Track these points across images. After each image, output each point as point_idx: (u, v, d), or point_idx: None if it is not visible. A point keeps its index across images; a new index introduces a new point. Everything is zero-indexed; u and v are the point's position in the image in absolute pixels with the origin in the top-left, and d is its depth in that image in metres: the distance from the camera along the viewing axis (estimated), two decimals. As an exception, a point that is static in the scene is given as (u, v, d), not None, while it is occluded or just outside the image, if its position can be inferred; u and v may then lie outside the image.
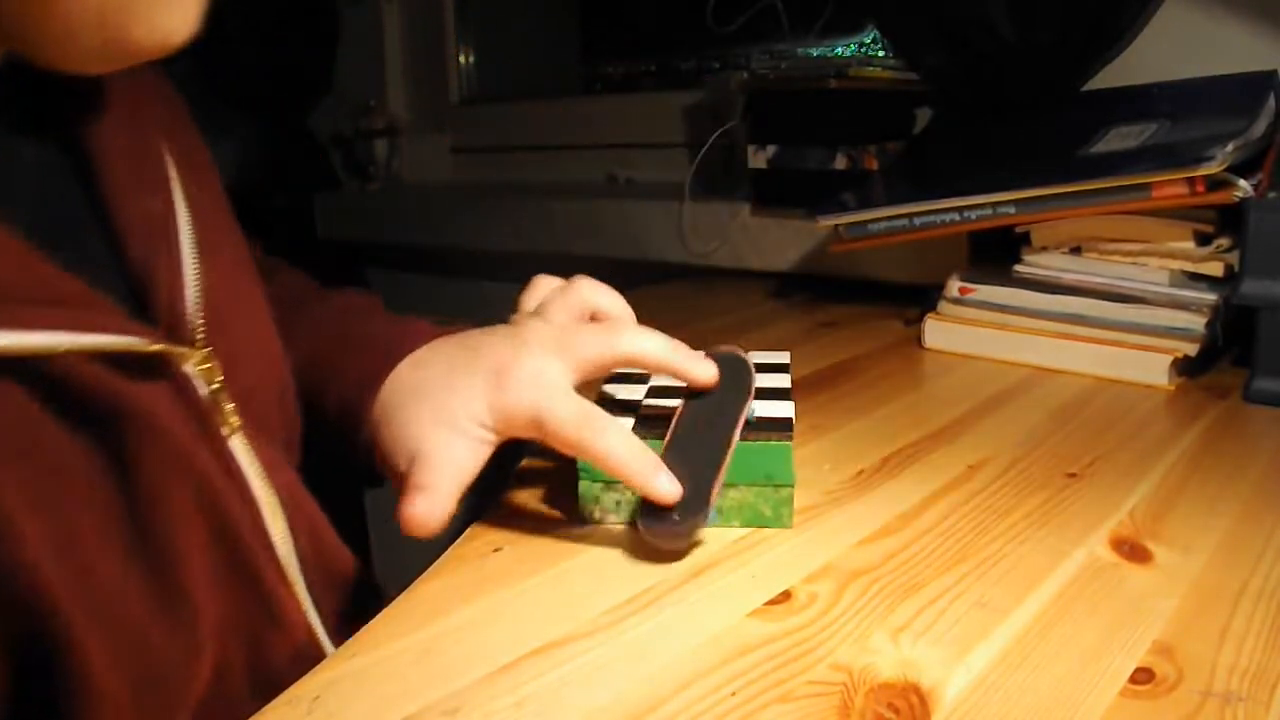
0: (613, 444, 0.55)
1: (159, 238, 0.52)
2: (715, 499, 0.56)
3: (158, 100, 0.62)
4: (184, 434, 0.48)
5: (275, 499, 0.54)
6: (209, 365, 0.51)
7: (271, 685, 0.47)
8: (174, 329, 0.50)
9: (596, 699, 0.43)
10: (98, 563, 0.44)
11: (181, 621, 0.47)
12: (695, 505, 0.55)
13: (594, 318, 0.66)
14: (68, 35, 0.45)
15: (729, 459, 0.57)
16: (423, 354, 0.65)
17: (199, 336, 0.51)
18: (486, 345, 0.62)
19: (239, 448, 0.52)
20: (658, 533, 0.55)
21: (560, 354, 0.59)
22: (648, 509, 0.55)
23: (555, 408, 0.57)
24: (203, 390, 0.50)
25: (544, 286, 0.68)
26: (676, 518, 0.54)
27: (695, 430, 0.59)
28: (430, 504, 0.56)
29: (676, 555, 0.56)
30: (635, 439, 0.56)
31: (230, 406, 0.52)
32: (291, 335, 0.70)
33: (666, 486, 0.55)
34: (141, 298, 0.50)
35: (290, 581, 0.55)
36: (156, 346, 0.47)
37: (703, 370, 0.61)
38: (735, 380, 0.62)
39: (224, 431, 0.52)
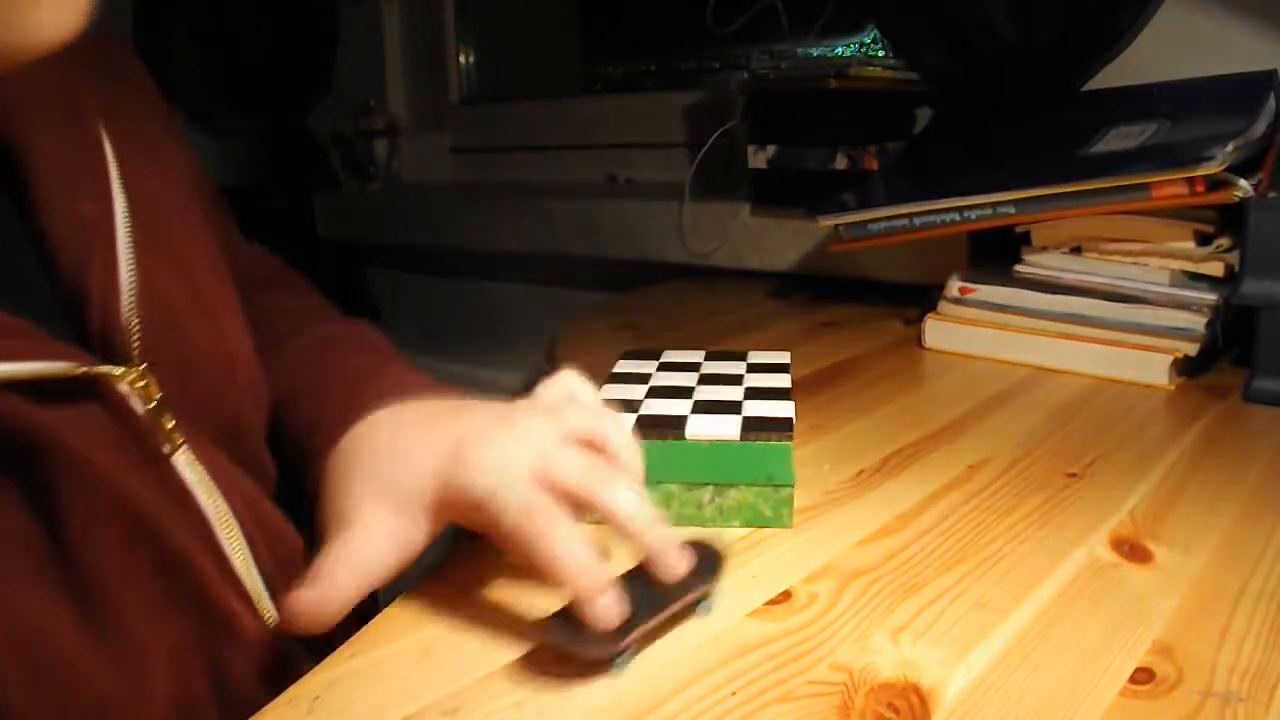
0: (561, 545, 0.46)
1: (93, 244, 0.50)
2: (631, 645, 0.46)
3: (112, 89, 0.60)
4: (112, 461, 0.46)
5: (230, 513, 0.52)
6: (145, 382, 0.49)
7: (241, 704, 0.46)
8: (108, 344, 0.49)
9: (596, 699, 0.43)
10: (18, 600, 0.43)
11: (122, 656, 0.46)
12: (614, 637, 0.45)
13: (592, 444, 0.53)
14: None
15: (660, 620, 0.47)
16: (390, 411, 0.57)
17: (135, 350, 0.49)
18: (466, 412, 0.55)
19: (184, 464, 0.50)
20: (565, 643, 0.46)
21: (537, 447, 0.50)
22: (563, 617, 0.46)
23: (507, 493, 0.48)
24: (139, 409, 0.48)
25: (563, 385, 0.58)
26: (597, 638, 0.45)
27: (647, 582, 0.48)
28: (317, 598, 0.48)
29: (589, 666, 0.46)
30: (587, 548, 0.46)
31: (171, 425, 0.50)
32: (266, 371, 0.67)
33: (607, 610, 0.45)
34: (76, 312, 0.49)
35: (252, 598, 0.53)
36: (78, 370, 0.45)
37: (671, 562, 0.48)
38: (705, 568, 0.50)
39: (165, 450, 0.49)
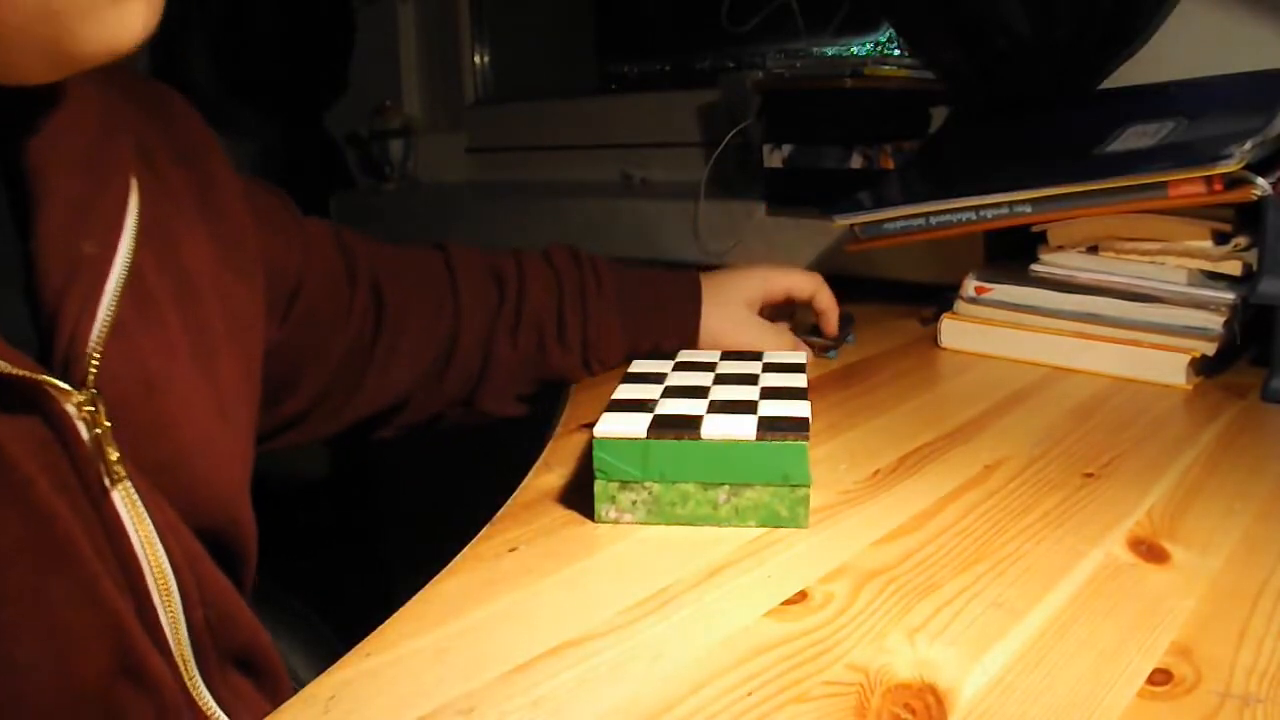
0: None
1: (80, 280, 0.50)
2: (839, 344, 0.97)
3: (159, 129, 0.61)
4: (42, 478, 0.46)
5: (167, 563, 0.51)
6: (94, 408, 0.48)
7: None
8: (68, 371, 0.48)
9: (612, 699, 0.43)
10: None
11: (6, 688, 0.45)
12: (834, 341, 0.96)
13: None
14: (7, 37, 0.43)
15: (843, 337, 0.98)
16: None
17: (91, 379, 0.48)
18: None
19: (121, 501, 0.49)
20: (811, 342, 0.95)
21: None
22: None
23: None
24: (83, 434, 0.48)
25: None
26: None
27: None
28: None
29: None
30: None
31: (115, 458, 0.49)
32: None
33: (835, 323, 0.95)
34: (48, 340, 0.48)
35: (174, 653, 0.52)
36: (16, 372, 0.44)
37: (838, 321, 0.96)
38: (848, 321, 1.00)
39: (104, 482, 0.49)
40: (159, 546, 0.51)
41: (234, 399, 0.61)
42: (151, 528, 0.51)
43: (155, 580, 0.51)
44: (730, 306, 0.91)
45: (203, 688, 0.54)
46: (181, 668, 0.53)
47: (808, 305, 0.96)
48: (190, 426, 0.56)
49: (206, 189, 0.64)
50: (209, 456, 0.57)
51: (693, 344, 0.90)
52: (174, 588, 0.52)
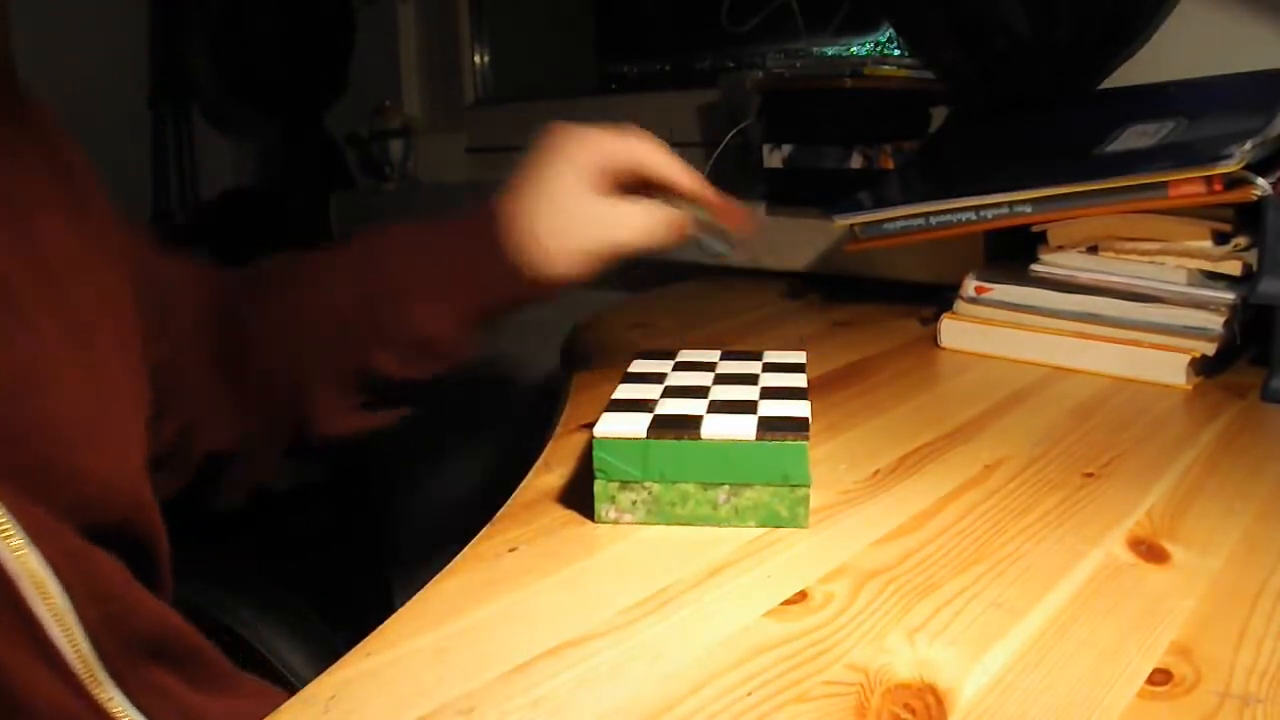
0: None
1: None
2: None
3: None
4: None
5: (44, 567, 0.50)
6: None
7: None
8: None
9: (612, 699, 0.43)
10: None
11: None
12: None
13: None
14: None
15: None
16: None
17: None
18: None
19: None
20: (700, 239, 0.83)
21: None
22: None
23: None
24: None
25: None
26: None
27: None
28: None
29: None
30: None
31: None
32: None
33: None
34: None
35: (68, 662, 0.51)
36: None
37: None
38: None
39: None
40: (31, 552, 0.49)
41: (116, 382, 0.59)
42: (19, 533, 0.49)
43: (33, 588, 0.49)
44: (560, 197, 0.74)
45: (112, 689, 0.53)
46: (81, 672, 0.51)
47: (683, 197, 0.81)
48: (67, 421, 0.54)
49: (60, 172, 0.62)
50: (93, 448, 0.55)
51: (525, 272, 0.77)
52: (56, 591, 0.50)
